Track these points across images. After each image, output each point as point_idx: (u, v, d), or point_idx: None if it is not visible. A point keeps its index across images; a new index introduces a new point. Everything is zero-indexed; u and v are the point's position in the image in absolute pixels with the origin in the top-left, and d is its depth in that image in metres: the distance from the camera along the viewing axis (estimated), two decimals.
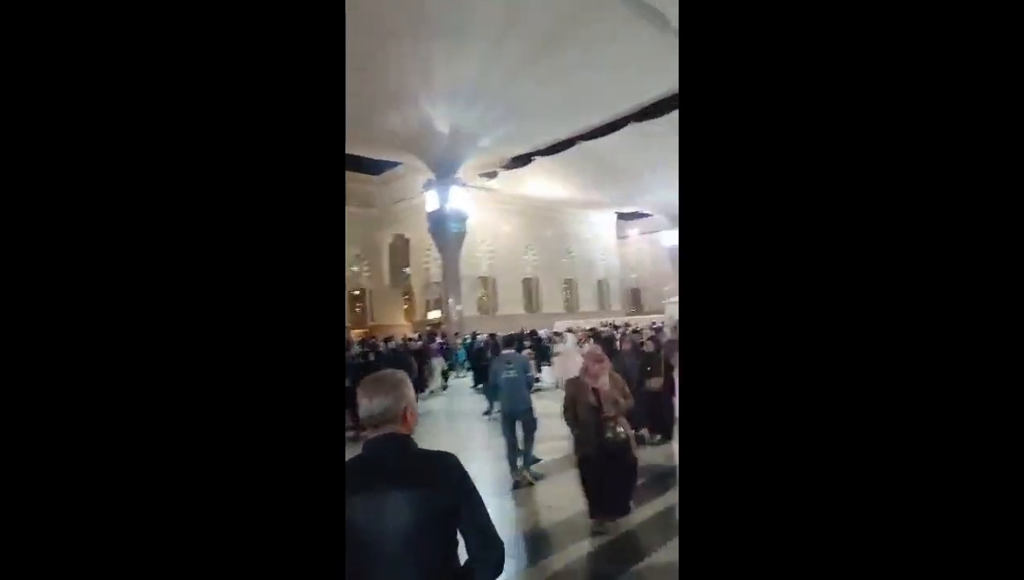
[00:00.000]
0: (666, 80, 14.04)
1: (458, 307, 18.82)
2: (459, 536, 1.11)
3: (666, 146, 16.89)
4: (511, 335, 11.16)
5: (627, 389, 3.38)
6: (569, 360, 7.50)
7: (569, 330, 13.71)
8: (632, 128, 16.34)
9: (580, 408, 3.19)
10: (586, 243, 29.80)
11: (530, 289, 26.93)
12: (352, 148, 16.75)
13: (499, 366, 4.70)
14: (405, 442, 1.15)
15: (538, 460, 4.62)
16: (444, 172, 18.03)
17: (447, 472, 1.12)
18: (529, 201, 25.38)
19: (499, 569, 1.11)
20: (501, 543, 1.12)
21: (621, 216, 31.80)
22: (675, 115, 15.09)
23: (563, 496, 3.79)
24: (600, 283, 30.86)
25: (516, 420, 4.41)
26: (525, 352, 6.82)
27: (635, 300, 34.03)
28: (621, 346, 6.35)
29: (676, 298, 16.54)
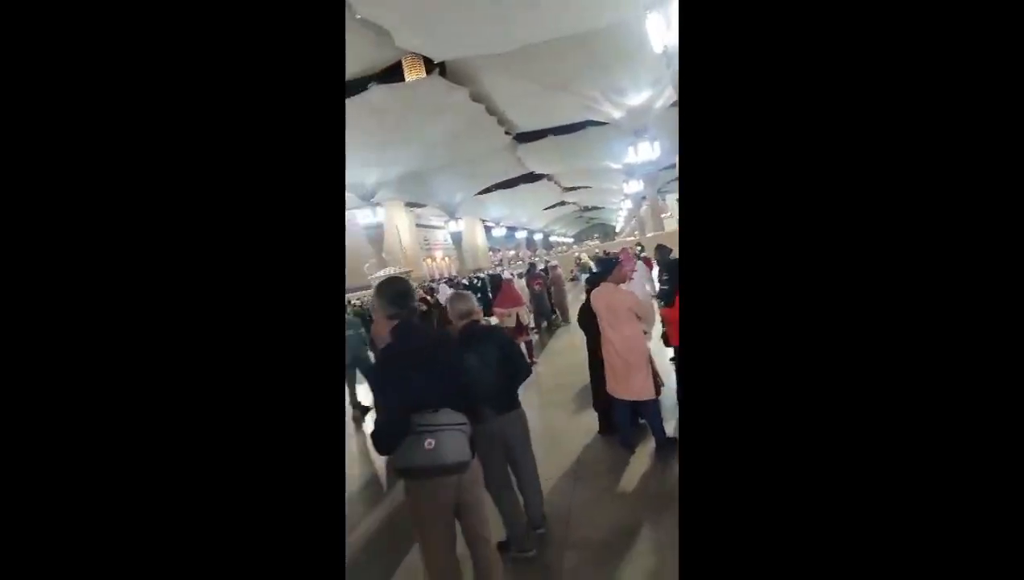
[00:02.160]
0: (352, 63, 14.85)
1: None
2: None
3: (352, 126, 17.59)
4: None
5: None
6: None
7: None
8: None
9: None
10: None
11: None
12: None
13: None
14: (478, 323, 2.46)
15: None
16: None
17: (498, 335, 2.47)
18: None
19: (528, 373, 2.45)
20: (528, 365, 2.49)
21: None
22: (365, 96, 16.10)
23: None
24: None
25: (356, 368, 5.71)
26: None
27: None
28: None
29: (383, 271, 17.80)
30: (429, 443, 1.66)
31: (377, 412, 1.79)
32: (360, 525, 3.09)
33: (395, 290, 1.82)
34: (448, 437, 1.69)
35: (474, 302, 2.43)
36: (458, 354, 1.98)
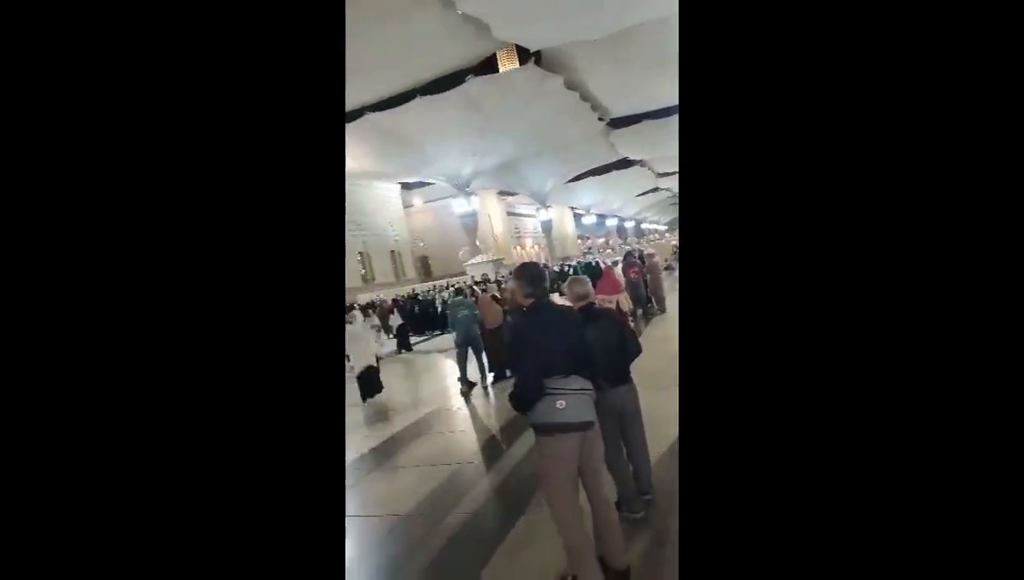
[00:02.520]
0: (452, 57, 15.54)
1: None
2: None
3: (450, 118, 18.24)
4: None
5: None
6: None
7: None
8: (418, 101, 17.42)
9: None
10: (374, 215, 30.01)
11: None
12: None
13: (454, 308, 6.55)
14: (593, 305, 2.68)
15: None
16: None
17: (612, 316, 2.66)
18: None
19: (639, 351, 2.66)
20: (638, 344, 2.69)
21: (404, 186, 32.62)
22: (463, 88, 16.75)
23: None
24: (393, 254, 31.52)
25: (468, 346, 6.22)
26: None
27: (425, 267, 35.65)
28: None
29: (477, 259, 18.64)
30: (560, 404, 1.94)
31: (516, 377, 2.10)
32: (482, 481, 3.50)
33: (533, 274, 2.13)
34: (577, 399, 1.96)
35: (590, 286, 2.67)
36: (582, 329, 2.25)
